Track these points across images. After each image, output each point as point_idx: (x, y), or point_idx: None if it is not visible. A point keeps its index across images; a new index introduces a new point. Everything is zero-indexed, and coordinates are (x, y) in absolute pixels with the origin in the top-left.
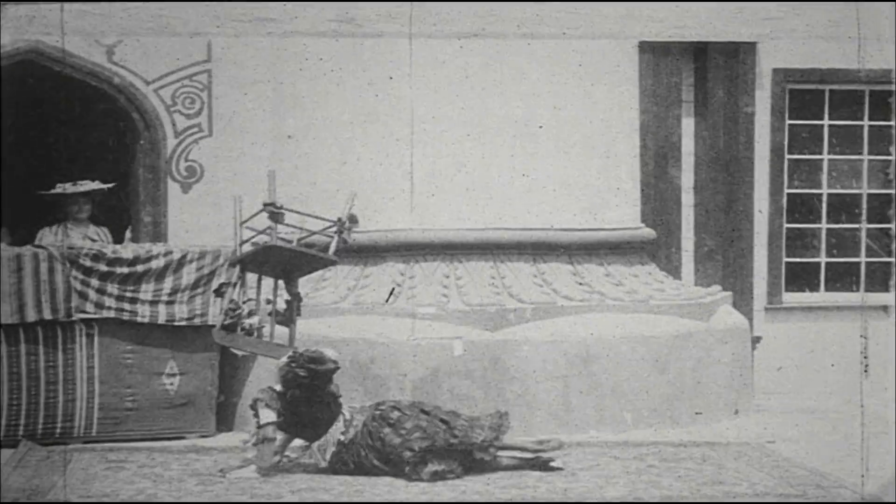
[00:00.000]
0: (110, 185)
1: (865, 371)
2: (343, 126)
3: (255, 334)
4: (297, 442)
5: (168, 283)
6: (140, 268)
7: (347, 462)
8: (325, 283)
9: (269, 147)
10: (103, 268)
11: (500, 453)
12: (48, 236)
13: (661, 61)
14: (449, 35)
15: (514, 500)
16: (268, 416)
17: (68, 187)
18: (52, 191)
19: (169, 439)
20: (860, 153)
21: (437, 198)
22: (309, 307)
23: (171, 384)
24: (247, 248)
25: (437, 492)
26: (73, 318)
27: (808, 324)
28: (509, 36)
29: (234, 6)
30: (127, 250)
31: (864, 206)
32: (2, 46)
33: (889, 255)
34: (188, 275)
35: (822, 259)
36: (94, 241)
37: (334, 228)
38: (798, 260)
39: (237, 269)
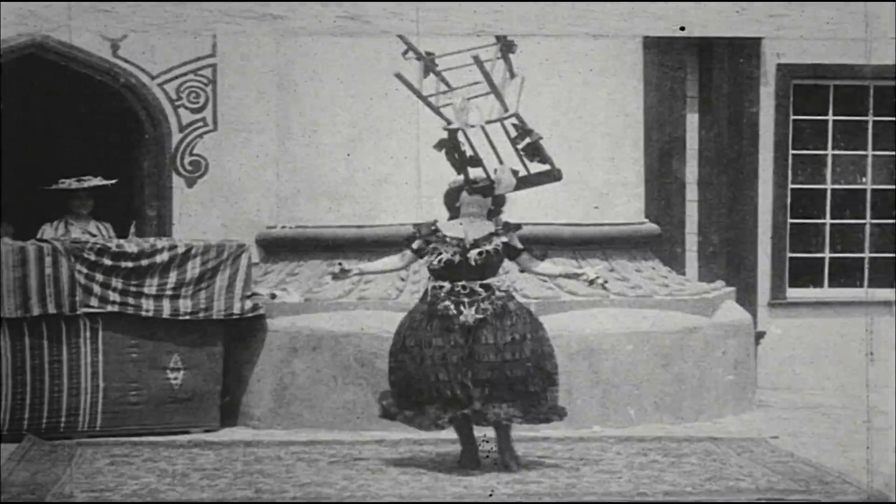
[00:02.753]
0: (113, 182)
1: (869, 366)
2: (349, 121)
3: None
4: None
5: (172, 278)
6: (144, 262)
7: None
8: (329, 279)
9: (274, 141)
10: (108, 262)
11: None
12: (49, 231)
13: (665, 56)
14: (454, 32)
15: (517, 496)
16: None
17: (72, 183)
18: (56, 186)
19: (173, 434)
20: (864, 149)
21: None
22: (313, 302)
23: (176, 378)
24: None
25: (441, 486)
26: (78, 313)
27: (812, 319)
28: (514, 33)
29: (240, 3)
30: (131, 244)
31: (869, 201)
32: (2, 41)
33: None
34: (192, 269)
35: (826, 255)
36: (94, 235)
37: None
38: (802, 255)
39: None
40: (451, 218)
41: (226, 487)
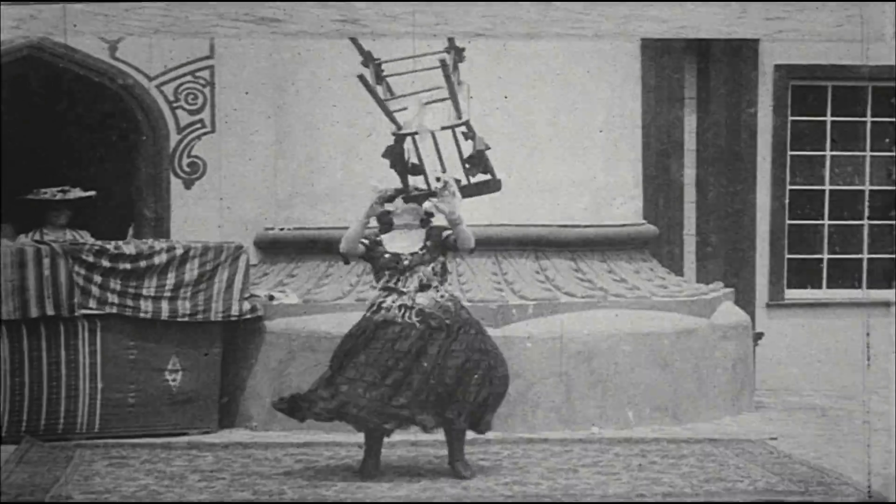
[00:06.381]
0: (92, 194)
1: (868, 367)
2: (345, 124)
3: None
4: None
5: (171, 279)
6: (143, 263)
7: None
8: (327, 280)
9: (271, 143)
10: (106, 263)
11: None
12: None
13: (664, 58)
14: (453, 35)
15: (515, 497)
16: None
17: (56, 193)
18: (40, 197)
19: (171, 435)
20: (863, 149)
21: None
22: (310, 304)
23: (174, 380)
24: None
25: (439, 487)
26: (76, 314)
27: (811, 320)
28: (513, 35)
29: (238, 6)
30: (129, 246)
31: (867, 202)
32: (2, 43)
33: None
34: (191, 271)
35: (825, 255)
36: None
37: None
38: (800, 256)
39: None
40: (382, 230)
41: (224, 489)
